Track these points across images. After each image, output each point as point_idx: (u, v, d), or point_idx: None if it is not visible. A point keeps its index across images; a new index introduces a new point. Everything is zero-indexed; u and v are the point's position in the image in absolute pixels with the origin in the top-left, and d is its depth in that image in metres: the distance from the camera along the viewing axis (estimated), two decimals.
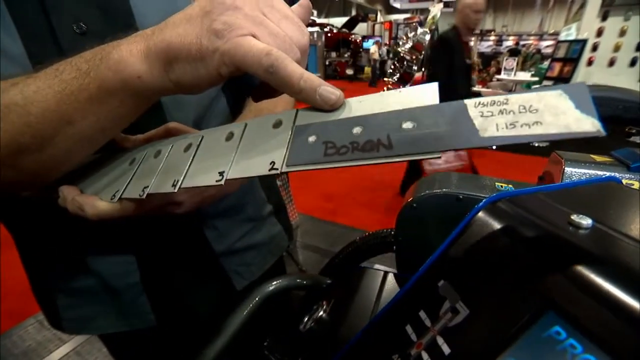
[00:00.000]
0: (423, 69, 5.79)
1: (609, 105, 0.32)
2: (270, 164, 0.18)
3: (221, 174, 0.20)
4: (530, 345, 0.13)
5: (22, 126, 0.24)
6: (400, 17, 16.21)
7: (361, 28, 15.85)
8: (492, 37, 14.54)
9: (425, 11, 13.31)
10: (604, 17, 5.20)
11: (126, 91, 0.24)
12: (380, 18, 18.65)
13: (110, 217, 0.28)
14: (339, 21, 16.69)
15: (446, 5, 13.60)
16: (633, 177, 0.32)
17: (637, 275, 0.13)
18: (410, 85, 2.54)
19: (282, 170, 0.18)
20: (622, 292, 0.12)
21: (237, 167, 0.20)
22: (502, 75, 5.41)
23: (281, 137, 0.19)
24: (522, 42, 13.21)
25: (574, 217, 0.15)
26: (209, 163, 0.22)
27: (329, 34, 12.48)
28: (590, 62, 5.49)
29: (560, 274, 0.13)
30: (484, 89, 5.33)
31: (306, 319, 0.41)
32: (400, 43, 4.10)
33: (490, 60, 8.71)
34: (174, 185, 0.22)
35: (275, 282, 0.48)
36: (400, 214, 0.40)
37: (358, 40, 13.26)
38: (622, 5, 5.01)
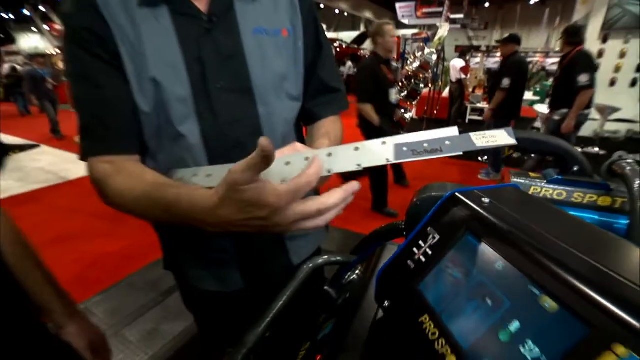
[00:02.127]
0: (430, 86, 6.02)
1: (534, 143, 0.53)
2: (386, 159, 0.39)
3: (358, 165, 0.40)
4: (460, 247, 0.34)
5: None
6: (408, 32, 16.48)
7: (369, 43, 16.15)
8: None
9: (433, 27, 13.66)
10: (604, 40, 5.43)
11: None
12: None
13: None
14: (348, 36, 17.08)
15: (452, 22, 13.79)
16: (548, 186, 0.52)
17: (499, 218, 0.34)
18: (417, 102, 2.82)
19: (392, 162, 0.39)
20: (497, 220, 0.33)
21: (367, 161, 0.40)
22: None
23: (388, 148, 0.40)
24: (528, 59, 13.40)
25: (483, 199, 0.36)
26: (347, 160, 0.41)
27: (338, 49, 12.86)
28: None
29: (472, 217, 0.35)
30: (487, 105, 5.51)
31: (347, 276, 0.62)
32: (409, 62, 4.38)
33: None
34: (328, 171, 0.42)
35: (322, 258, 0.70)
36: (409, 209, 0.60)
37: (367, 56, 13.57)
38: (621, 29, 5.23)
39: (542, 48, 16.90)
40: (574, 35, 3.24)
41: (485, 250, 0.32)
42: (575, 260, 0.26)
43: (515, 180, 0.56)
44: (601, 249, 0.29)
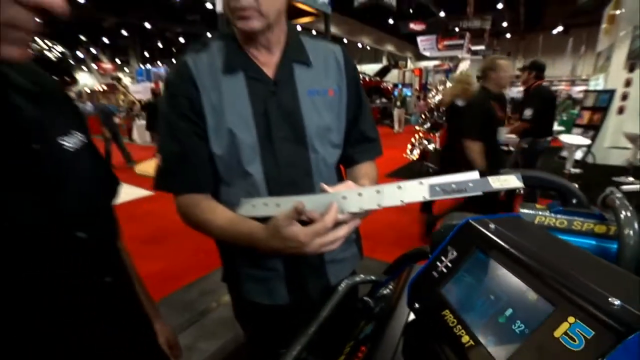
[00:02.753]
0: None
1: (540, 180, 0.64)
2: (423, 197, 0.51)
3: (402, 200, 0.54)
4: (470, 262, 0.46)
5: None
6: (429, 63, 16.82)
7: (392, 75, 16.60)
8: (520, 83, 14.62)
9: (455, 58, 13.98)
10: (631, 69, 5.41)
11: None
12: (410, 65, 19.41)
13: (342, 221, 0.60)
14: (370, 68, 17.65)
15: (474, 53, 13.95)
16: (551, 216, 0.63)
17: (500, 239, 0.45)
18: (440, 133, 2.89)
19: (427, 199, 0.51)
20: (499, 240, 0.45)
21: (408, 198, 0.52)
22: None
23: (424, 188, 0.51)
24: (553, 88, 13.29)
25: (490, 225, 0.48)
26: (393, 196, 0.53)
27: (361, 82, 13.28)
28: (621, 111, 5.63)
29: (481, 238, 0.46)
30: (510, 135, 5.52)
31: (381, 290, 0.73)
32: (431, 95, 4.55)
33: (519, 105, 8.89)
34: (378, 205, 0.55)
35: (359, 277, 0.81)
36: (434, 234, 0.72)
37: (390, 88, 13.91)
38: None
39: (567, 76, 16.71)
40: (540, 70, 3.44)
41: (490, 262, 0.43)
42: (548, 265, 0.37)
43: (524, 211, 0.67)
44: (569, 258, 0.40)
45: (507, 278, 0.40)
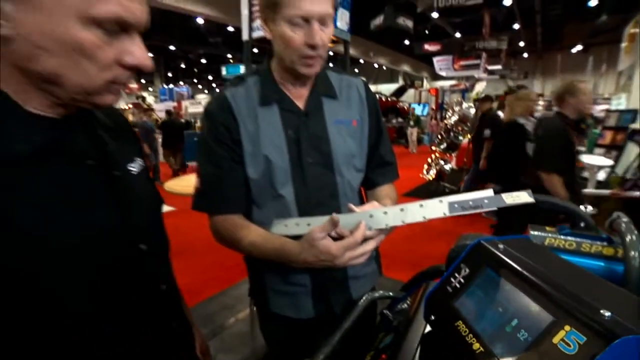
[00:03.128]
0: (469, 137, 6.15)
1: (549, 205, 0.69)
2: (443, 213, 0.57)
3: (424, 217, 0.60)
4: (481, 278, 0.51)
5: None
6: (445, 83, 16.83)
7: (408, 95, 16.70)
8: (542, 102, 14.49)
9: (471, 78, 14.01)
10: None
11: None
12: (426, 85, 19.50)
13: (370, 236, 0.68)
14: (386, 88, 17.84)
15: (490, 73, 13.87)
16: (561, 237, 0.67)
17: (508, 258, 0.51)
18: (457, 153, 2.94)
19: (447, 216, 0.57)
20: (507, 259, 0.50)
21: (429, 215, 0.58)
22: None
23: (444, 205, 0.57)
24: None
25: (499, 245, 0.53)
26: (415, 214, 0.59)
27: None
28: None
29: (490, 257, 0.52)
30: None
31: (399, 305, 0.78)
32: (447, 116, 4.60)
33: None
34: (402, 221, 0.61)
35: (378, 292, 0.87)
36: (449, 252, 0.77)
37: (406, 107, 13.97)
38: None
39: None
40: None
41: (499, 278, 0.49)
42: (550, 282, 0.42)
43: (534, 232, 0.71)
44: (568, 276, 0.45)
45: (513, 293, 0.45)
